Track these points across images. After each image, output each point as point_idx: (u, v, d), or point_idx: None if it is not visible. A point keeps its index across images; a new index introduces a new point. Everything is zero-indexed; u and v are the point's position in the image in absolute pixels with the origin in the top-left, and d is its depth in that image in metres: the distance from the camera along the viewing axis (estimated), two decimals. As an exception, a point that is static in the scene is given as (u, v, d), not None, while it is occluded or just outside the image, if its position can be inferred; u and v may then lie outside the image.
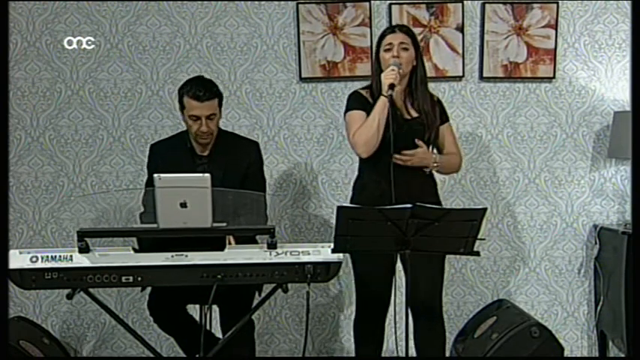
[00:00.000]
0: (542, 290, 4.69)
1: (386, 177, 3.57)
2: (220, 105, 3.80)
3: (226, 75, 4.57)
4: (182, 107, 3.79)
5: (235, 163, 3.80)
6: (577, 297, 4.68)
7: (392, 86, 3.55)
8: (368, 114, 3.63)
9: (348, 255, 4.31)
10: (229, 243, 3.52)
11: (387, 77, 3.57)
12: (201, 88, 3.72)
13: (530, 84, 4.63)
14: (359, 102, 3.73)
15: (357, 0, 4.53)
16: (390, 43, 3.67)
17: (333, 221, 3.17)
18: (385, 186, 3.57)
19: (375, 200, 3.50)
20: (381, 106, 3.58)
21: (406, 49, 3.67)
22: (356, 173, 3.86)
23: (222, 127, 3.90)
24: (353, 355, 4.59)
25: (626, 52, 4.59)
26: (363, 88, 3.81)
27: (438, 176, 3.87)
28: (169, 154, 3.83)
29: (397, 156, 3.61)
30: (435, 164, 3.70)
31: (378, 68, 3.72)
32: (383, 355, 3.92)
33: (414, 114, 3.70)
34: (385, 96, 3.56)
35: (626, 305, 4.21)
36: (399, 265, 3.72)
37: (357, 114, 3.70)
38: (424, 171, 3.72)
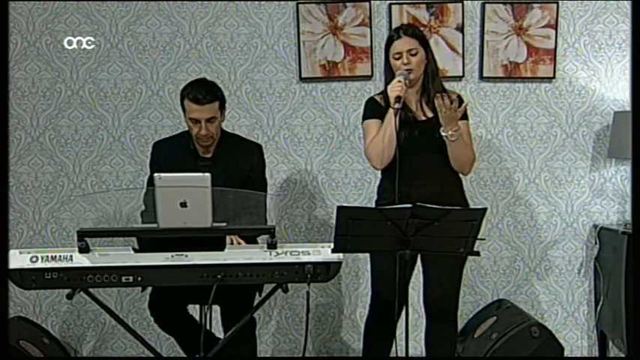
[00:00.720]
0: (542, 290, 4.68)
1: (405, 181, 3.56)
2: (222, 108, 3.76)
3: (226, 75, 4.56)
4: (184, 109, 3.77)
5: (238, 165, 3.79)
6: (577, 297, 4.68)
7: (398, 98, 3.54)
8: (383, 120, 3.63)
9: (360, 255, 4.32)
10: (238, 243, 3.52)
11: (393, 90, 3.56)
12: (202, 91, 3.69)
13: (530, 84, 4.63)
14: (373, 110, 3.73)
15: (357, 0, 4.53)
16: (399, 52, 3.65)
17: (333, 221, 3.17)
18: (404, 189, 3.56)
19: (396, 203, 3.47)
20: (387, 120, 3.59)
21: (415, 54, 3.66)
22: (379, 177, 3.83)
23: (223, 128, 3.89)
24: (352, 355, 4.61)
25: (626, 52, 4.59)
26: (378, 94, 3.80)
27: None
28: (172, 154, 3.80)
29: (437, 95, 3.56)
30: (457, 128, 3.59)
31: (389, 74, 3.70)
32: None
33: (429, 114, 3.68)
34: (393, 108, 3.56)
35: (626, 305, 4.20)
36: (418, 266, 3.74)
37: (372, 123, 3.70)
38: (449, 172, 3.71)
